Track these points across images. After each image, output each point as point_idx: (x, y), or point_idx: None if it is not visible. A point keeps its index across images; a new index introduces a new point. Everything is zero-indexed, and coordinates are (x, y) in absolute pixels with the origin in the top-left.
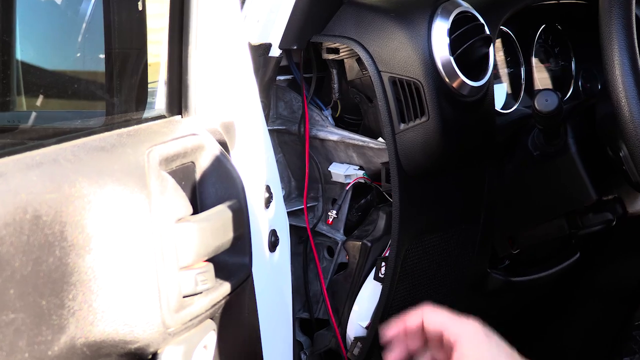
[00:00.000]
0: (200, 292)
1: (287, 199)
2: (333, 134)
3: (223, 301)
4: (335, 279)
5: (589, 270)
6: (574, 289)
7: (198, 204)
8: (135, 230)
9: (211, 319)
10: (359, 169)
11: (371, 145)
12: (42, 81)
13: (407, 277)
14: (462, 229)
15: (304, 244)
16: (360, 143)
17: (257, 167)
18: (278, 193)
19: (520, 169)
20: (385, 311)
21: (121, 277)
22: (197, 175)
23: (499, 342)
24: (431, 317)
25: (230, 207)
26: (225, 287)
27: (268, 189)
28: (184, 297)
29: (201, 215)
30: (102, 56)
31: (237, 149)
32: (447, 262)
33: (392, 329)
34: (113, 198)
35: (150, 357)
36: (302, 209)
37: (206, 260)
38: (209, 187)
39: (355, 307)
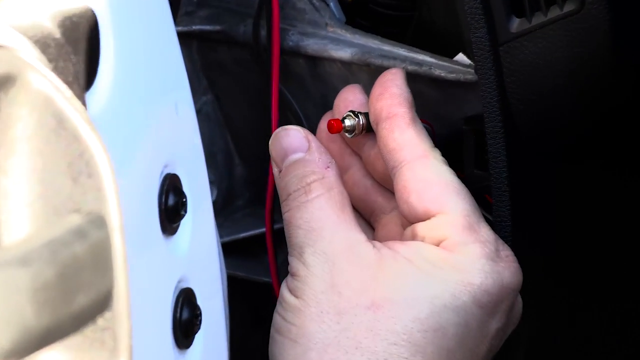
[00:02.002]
0: None
1: (225, 209)
2: (341, 44)
3: None
4: None
5: None
6: None
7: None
8: None
9: None
10: None
11: (438, 73)
12: None
13: None
14: None
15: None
16: (410, 68)
17: (147, 127)
18: (200, 194)
19: None
20: None
21: None
22: None
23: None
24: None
25: (78, 230)
26: None
27: (174, 183)
28: None
29: (5, 255)
30: None
31: (102, 82)
32: None
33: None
34: None
35: None
36: (263, 234)
37: None
38: (26, 179)
39: None
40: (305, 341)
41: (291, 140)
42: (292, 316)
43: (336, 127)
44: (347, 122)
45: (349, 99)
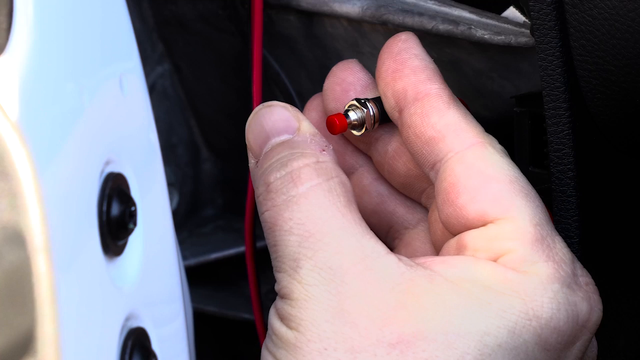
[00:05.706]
0: None
1: (190, 220)
2: None
3: None
4: None
5: None
6: None
7: None
8: None
9: None
10: None
11: (481, 34)
12: None
13: None
14: None
15: None
16: (442, 27)
17: (81, 110)
18: (155, 200)
19: None
20: None
21: None
22: None
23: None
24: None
25: None
26: None
27: (118, 185)
28: None
29: None
30: None
31: (17, 45)
32: None
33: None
34: None
35: None
36: (241, 255)
37: None
38: None
39: None
40: None
41: (275, 120)
42: (285, 355)
43: (340, 124)
44: (354, 115)
45: (347, 80)
